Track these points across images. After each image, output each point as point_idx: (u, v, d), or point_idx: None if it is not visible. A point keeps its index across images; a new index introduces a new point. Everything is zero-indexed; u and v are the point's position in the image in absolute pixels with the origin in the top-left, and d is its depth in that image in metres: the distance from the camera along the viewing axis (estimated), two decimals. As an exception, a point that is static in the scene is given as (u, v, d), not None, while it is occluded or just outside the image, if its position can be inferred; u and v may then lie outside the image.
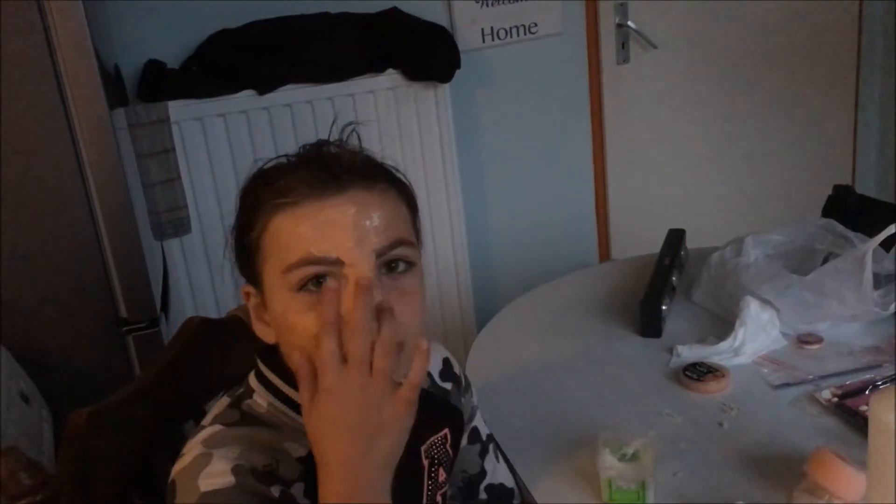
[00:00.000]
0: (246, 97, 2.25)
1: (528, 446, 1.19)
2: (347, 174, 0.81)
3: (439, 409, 0.98)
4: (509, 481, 1.10)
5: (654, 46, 2.72)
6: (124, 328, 1.61)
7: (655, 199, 2.87)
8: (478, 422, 1.09)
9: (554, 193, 2.77)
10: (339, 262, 0.78)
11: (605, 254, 2.88)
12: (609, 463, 1.04)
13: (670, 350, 1.39)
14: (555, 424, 1.24)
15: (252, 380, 0.88)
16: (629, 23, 2.68)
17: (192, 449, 0.81)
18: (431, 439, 0.95)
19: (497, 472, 1.10)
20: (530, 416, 1.26)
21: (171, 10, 2.26)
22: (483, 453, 1.09)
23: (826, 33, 2.90)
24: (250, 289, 0.87)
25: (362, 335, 0.75)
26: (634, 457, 1.05)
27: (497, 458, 1.11)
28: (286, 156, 0.86)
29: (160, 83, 2.22)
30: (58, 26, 1.46)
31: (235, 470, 0.77)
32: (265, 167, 0.86)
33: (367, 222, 0.79)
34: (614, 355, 1.42)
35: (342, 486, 0.74)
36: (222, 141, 2.24)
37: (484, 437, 1.09)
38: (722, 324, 1.44)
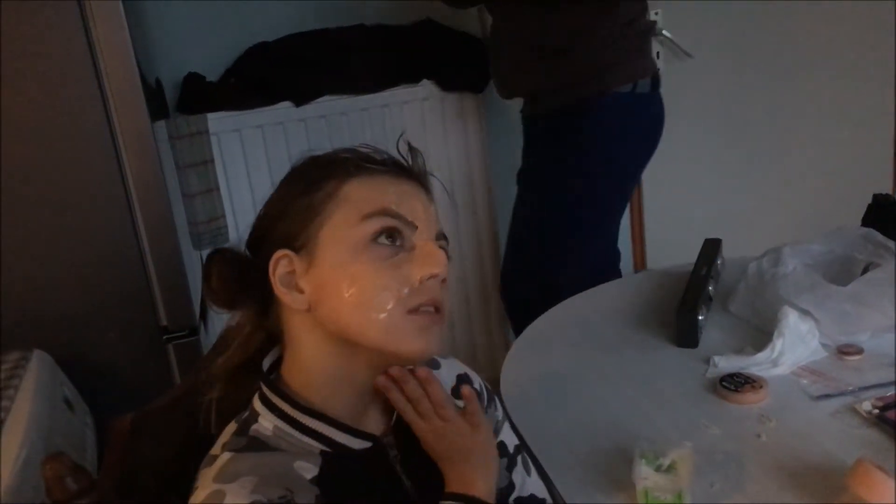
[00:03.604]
0: (283, 109, 2.28)
1: (564, 456, 1.18)
2: (417, 172, 0.91)
3: None
4: (541, 492, 1.10)
5: (689, 55, 2.71)
6: (165, 336, 1.64)
7: (691, 208, 2.85)
8: (504, 435, 1.08)
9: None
10: (413, 226, 0.85)
11: (640, 264, 2.87)
12: (645, 473, 1.03)
13: (707, 360, 1.38)
14: (591, 434, 1.23)
15: (257, 403, 0.87)
16: (663, 31, 2.67)
17: (205, 485, 0.79)
18: None
19: (526, 485, 1.09)
20: (566, 427, 1.26)
21: (210, 24, 2.30)
22: (511, 466, 1.07)
23: (863, 40, 2.86)
24: (287, 253, 0.85)
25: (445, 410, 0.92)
26: (671, 467, 1.05)
27: (528, 470, 1.09)
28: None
29: (199, 96, 2.27)
30: (102, 43, 1.50)
31: None
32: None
33: (432, 207, 0.90)
34: (650, 365, 1.42)
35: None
36: (260, 152, 2.28)
37: (511, 450, 1.08)
38: (759, 334, 1.42)
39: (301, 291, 0.85)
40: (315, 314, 0.85)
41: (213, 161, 2.19)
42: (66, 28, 1.47)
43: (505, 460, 1.06)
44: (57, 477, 0.79)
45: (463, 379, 1.04)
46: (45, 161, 1.51)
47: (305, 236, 0.85)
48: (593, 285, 1.76)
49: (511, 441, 1.09)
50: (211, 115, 2.19)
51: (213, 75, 2.32)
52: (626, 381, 1.37)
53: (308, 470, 0.83)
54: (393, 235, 0.84)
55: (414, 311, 0.83)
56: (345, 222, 0.84)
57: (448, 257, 0.89)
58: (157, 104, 1.96)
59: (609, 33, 1.89)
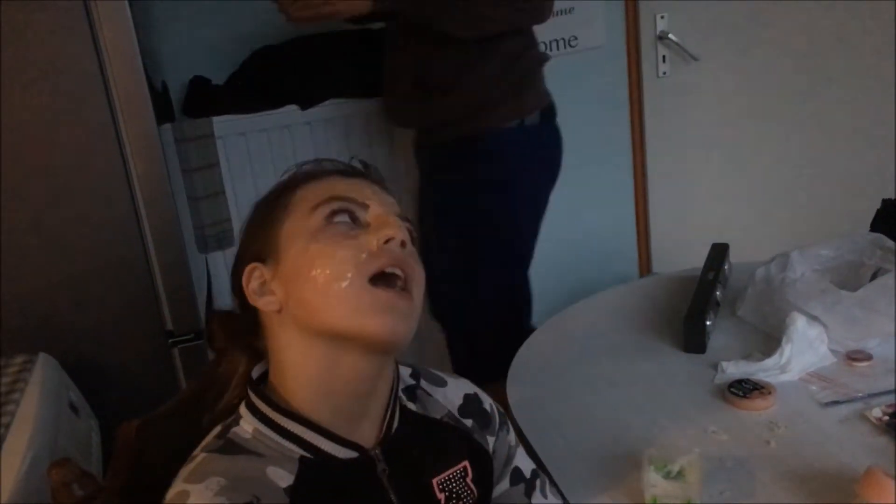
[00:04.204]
0: (288, 112, 2.28)
1: (572, 463, 1.18)
2: (368, 174, 0.93)
3: (455, 441, 0.97)
4: None
5: (695, 58, 2.71)
6: (170, 340, 1.63)
7: (697, 212, 2.85)
8: (519, 461, 1.04)
9: (594, 207, 2.75)
10: (364, 205, 0.87)
11: (645, 268, 2.86)
12: (654, 480, 1.03)
13: (715, 366, 1.37)
14: (598, 441, 1.23)
15: (241, 408, 0.88)
16: (670, 35, 2.67)
17: (175, 484, 0.80)
18: (447, 472, 0.93)
19: None
20: (573, 433, 1.26)
21: (216, 27, 2.30)
22: (529, 491, 1.04)
23: (871, 42, 2.85)
24: (256, 265, 0.88)
25: None
26: (680, 475, 1.04)
27: (545, 494, 1.06)
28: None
29: (205, 99, 2.26)
30: (109, 46, 1.49)
31: None
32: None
33: (389, 197, 0.91)
34: (658, 371, 1.41)
35: None
36: (265, 156, 2.27)
37: (528, 475, 1.05)
38: (768, 340, 1.42)
39: (272, 293, 0.86)
40: (288, 311, 0.85)
41: (218, 164, 2.19)
42: (72, 30, 1.47)
43: (522, 485, 1.03)
44: (63, 483, 0.79)
45: (471, 399, 1.01)
46: (50, 164, 1.51)
47: (269, 245, 0.87)
48: (511, 311, 1.77)
49: (527, 466, 1.05)
50: (216, 119, 2.19)
51: (218, 79, 2.31)
52: (633, 387, 1.37)
53: (282, 478, 0.82)
54: (347, 216, 0.86)
55: (377, 277, 0.83)
56: (300, 218, 0.86)
57: (413, 238, 0.89)
58: (162, 107, 1.96)
59: (490, 73, 1.89)
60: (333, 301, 0.82)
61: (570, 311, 1.70)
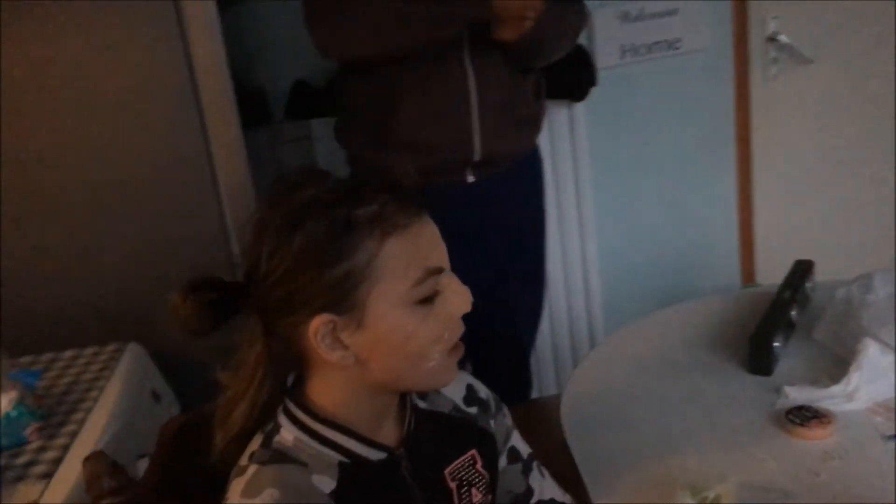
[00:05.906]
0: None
1: (612, 481, 1.17)
2: (420, 202, 0.88)
3: (462, 431, 1.01)
4: (560, 495, 1.10)
5: (810, 61, 2.58)
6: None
7: (806, 224, 2.71)
8: (515, 441, 1.09)
9: (694, 215, 2.68)
10: (441, 271, 0.87)
11: (749, 278, 2.76)
12: (686, 507, 1.01)
13: (779, 390, 1.32)
14: (642, 460, 1.20)
15: (280, 415, 0.90)
16: (781, 36, 2.56)
17: (232, 497, 0.84)
18: (457, 462, 0.98)
19: (545, 489, 1.10)
20: (620, 450, 1.24)
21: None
22: (526, 471, 1.08)
23: None
24: (331, 317, 0.84)
25: None
26: (715, 502, 1.02)
27: (542, 474, 1.10)
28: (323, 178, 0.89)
29: (305, 102, 2.34)
30: (197, 53, 1.59)
31: None
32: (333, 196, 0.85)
33: (436, 230, 0.90)
34: (718, 392, 1.37)
35: None
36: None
37: (525, 456, 1.09)
38: (840, 365, 1.35)
39: (346, 348, 0.86)
40: (362, 367, 0.87)
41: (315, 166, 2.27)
42: (165, 43, 1.57)
43: (520, 465, 1.08)
44: (94, 476, 0.85)
45: (472, 388, 1.05)
46: (143, 169, 1.62)
47: (352, 301, 0.84)
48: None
49: (524, 448, 1.10)
50: (315, 121, 2.26)
51: (320, 82, 2.39)
52: (688, 408, 1.33)
53: (326, 484, 0.86)
54: (432, 290, 0.87)
55: (454, 348, 0.89)
56: (394, 288, 0.84)
57: None
58: (259, 111, 2.05)
59: None
60: (420, 374, 0.88)
61: (640, 324, 1.66)
